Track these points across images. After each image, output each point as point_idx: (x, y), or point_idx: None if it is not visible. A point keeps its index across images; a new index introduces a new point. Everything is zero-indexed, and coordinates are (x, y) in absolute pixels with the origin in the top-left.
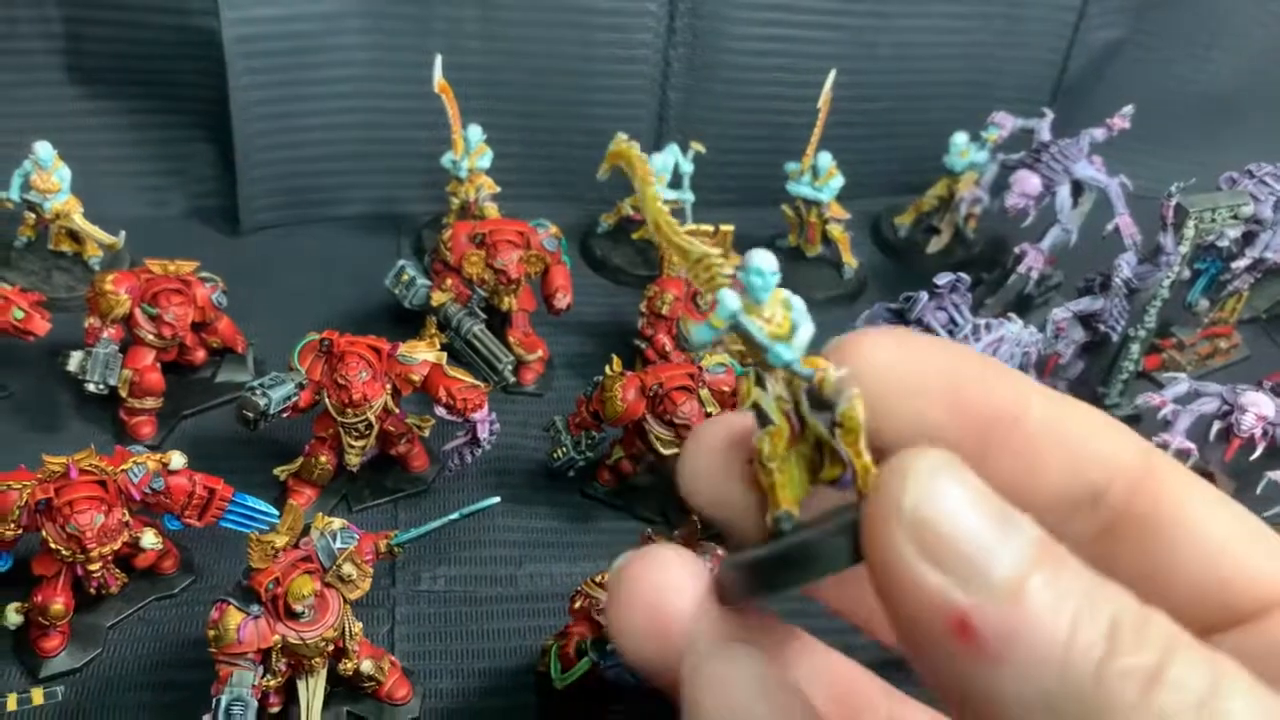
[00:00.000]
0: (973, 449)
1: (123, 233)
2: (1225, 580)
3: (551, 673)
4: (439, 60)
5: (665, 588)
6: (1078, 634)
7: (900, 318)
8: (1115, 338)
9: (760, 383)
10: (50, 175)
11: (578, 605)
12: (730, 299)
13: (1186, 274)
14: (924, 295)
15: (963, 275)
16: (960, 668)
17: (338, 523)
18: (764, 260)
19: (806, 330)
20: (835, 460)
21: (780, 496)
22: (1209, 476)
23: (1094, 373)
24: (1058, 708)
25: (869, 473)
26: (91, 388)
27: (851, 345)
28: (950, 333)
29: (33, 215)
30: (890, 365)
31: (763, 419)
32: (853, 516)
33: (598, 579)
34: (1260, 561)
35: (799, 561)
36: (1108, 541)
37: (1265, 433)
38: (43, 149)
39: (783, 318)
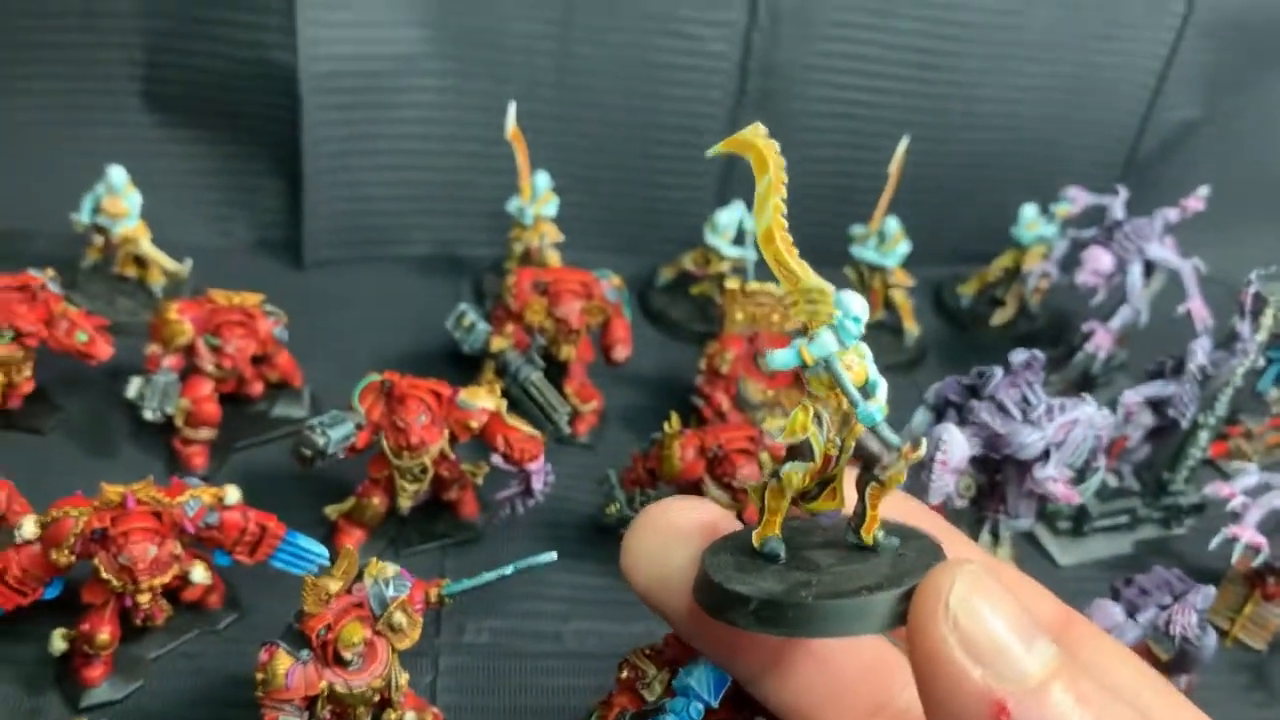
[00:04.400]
0: None
1: (189, 261)
2: None
3: None
4: (513, 107)
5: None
6: None
7: (973, 392)
8: (1185, 424)
9: (818, 420)
10: (121, 200)
11: (624, 675)
12: (831, 340)
13: (1261, 362)
14: (999, 371)
15: (1038, 353)
16: None
17: (392, 569)
18: (860, 306)
19: (884, 388)
20: (832, 497)
21: (776, 524)
22: (1275, 572)
23: (1160, 458)
24: None
25: (875, 523)
26: (149, 415)
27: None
28: (1024, 411)
29: (100, 238)
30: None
31: (801, 453)
32: (903, 589)
33: (646, 650)
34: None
35: (839, 616)
36: None
37: None
38: (116, 174)
39: (860, 366)
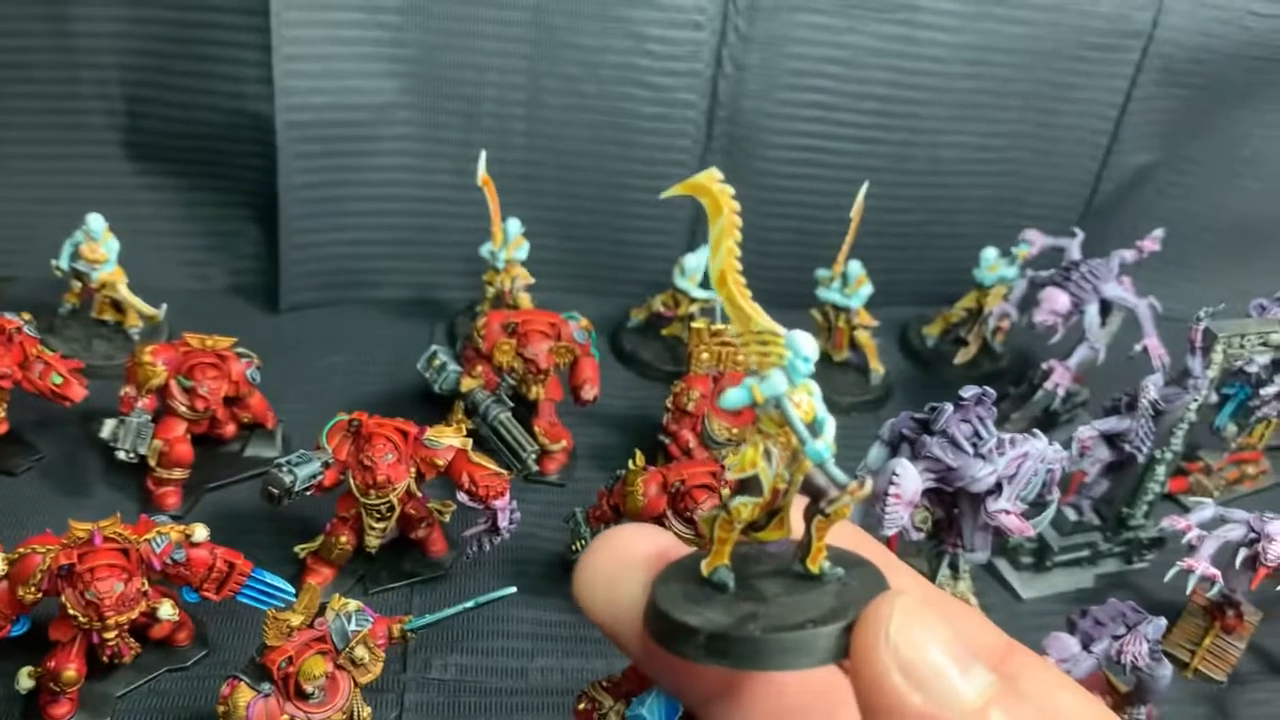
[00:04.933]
0: None
1: (164, 306)
2: None
3: None
4: (483, 155)
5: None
6: None
7: (925, 427)
8: (1141, 459)
9: (768, 456)
10: (99, 246)
11: (581, 707)
12: (781, 380)
13: (1214, 398)
14: (949, 407)
15: (988, 389)
16: None
17: (353, 604)
18: (809, 346)
19: (831, 425)
20: (779, 527)
21: (725, 553)
22: (1234, 605)
23: (1119, 493)
24: None
25: (821, 554)
26: (122, 455)
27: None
28: (975, 445)
29: (78, 284)
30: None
31: (750, 488)
32: (846, 621)
33: (604, 682)
34: None
35: (785, 650)
36: None
37: None
38: (95, 221)
39: (808, 404)
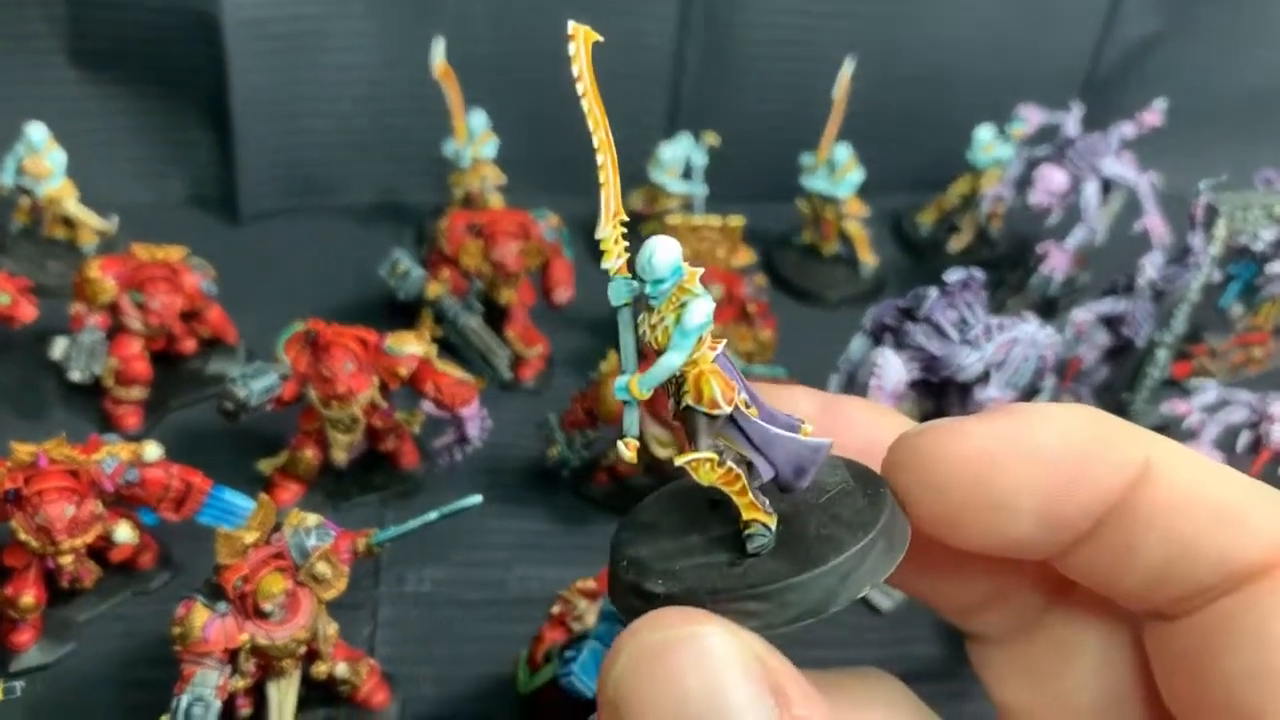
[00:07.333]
0: (1062, 550)
1: (115, 218)
2: None
3: (519, 675)
4: (440, 44)
5: None
6: None
7: (909, 315)
8: (1140, 342)
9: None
10: (43, 159)
11: (556, 610)
12: (619, 293)
13: (1218, 277)
14: (934, 292)
15: (975, 272)
16: None
17: (313, 519)
18: (656, 265)
19: (667, 367)
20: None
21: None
22: None
23: (1119, 379)
24: None
25: (742, 517)
26: (75, 375)
27: (934, 451)
28: (961, 332)
29: (27, 200)
30: (974, 477)
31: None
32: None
33: (580, 585)
34: None
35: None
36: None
37: None
38: (35, 131)
39: (663, 330)
